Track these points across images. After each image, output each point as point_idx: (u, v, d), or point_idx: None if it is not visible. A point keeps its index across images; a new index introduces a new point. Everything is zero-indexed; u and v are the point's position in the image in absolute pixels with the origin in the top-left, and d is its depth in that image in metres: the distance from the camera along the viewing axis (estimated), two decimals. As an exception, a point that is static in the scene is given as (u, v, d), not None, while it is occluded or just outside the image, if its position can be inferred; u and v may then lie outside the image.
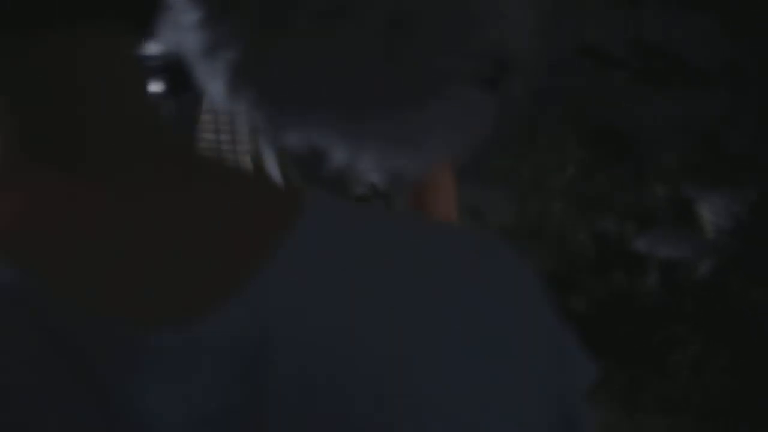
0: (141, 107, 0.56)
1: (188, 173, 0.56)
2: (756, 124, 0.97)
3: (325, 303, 0.54)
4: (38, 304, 0.50)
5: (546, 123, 1.75)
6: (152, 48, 0.61)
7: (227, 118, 2.54)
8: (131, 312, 0.51)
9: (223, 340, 0.52)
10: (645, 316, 1.72)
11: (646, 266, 1.41)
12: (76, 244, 0.53)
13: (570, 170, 1.55)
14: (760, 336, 1.51)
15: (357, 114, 0.80)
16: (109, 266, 0.52)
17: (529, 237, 1.98)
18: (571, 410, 0.57)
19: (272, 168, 1.08)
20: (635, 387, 1.78)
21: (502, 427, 0.54)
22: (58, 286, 0.51)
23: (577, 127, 1.75)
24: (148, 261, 0.53)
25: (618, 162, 1.42)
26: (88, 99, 0.55)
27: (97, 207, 0.54)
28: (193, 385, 0.51)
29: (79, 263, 0.52)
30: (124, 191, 0.55)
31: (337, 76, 0.79)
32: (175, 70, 0.89)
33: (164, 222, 0.55)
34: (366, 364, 0.54)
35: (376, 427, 0.53)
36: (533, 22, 0.85)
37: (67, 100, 0.55)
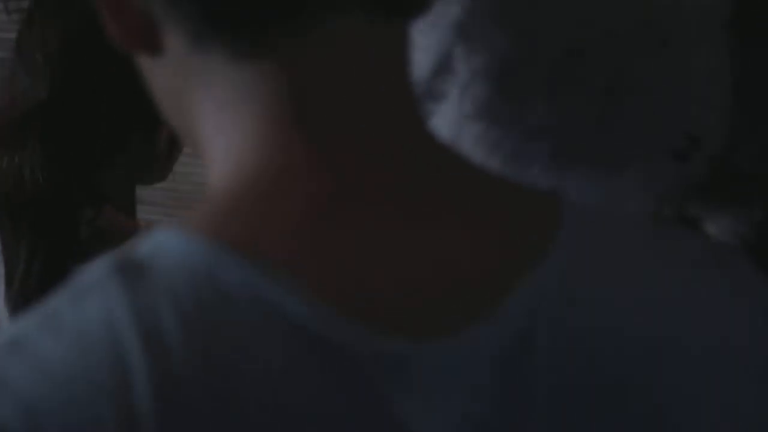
0: (413, 98, 0.57)
1: (457, 170, 0.57)
2: (763, 142, 0.97)
3: (594, 304, 0.54)
4: (311, 321, 0.50)
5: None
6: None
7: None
8: (400, 325, 0.51)
9: (486, 351, 0.51)
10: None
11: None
12: (346, 256, 0.52)
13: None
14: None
15: (562, 170, 0.84)
16: (378, 276, 0.52)
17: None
18: None
19: None
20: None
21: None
22: (328, 301, 0.50)
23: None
24: (418, 269, 0.53)
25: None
26: (373, 87, 0.55)
27: (366, 209, 0.54)
28: (456, 399, 0.51)
29: (349, 274, 0.52)
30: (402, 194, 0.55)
31: (550, 132, 0.82)
32: None
33: (434, 225, 0.54)
34: (635, 370, 0.53)
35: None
36: (720, 100, 0.88)
37: (354, 88, 0.55)
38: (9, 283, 1.24)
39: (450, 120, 0.85)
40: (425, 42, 0.82)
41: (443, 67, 0.86)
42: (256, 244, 0.52)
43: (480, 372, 0.51)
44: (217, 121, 0.56)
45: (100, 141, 1.29)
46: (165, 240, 0.53)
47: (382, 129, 0.56)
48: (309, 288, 0.50)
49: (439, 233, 0.54)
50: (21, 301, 1.21)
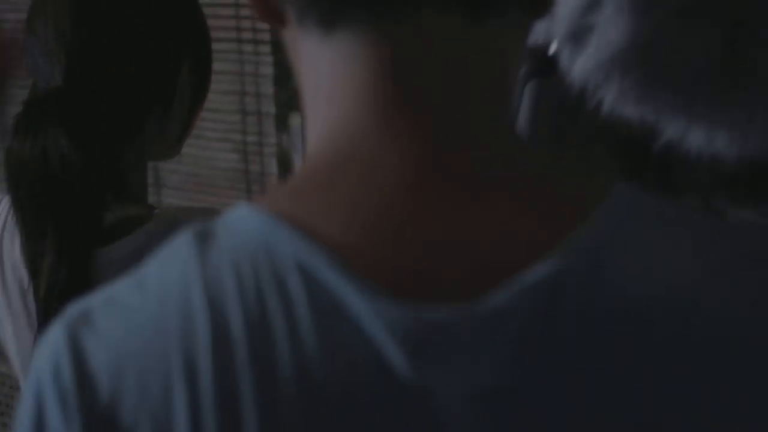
0: (507, 95, 0.60)
1: (522, 159, 0.59)
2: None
3: (623, 278, 0.54)
4: (347, 292, 0.53)
5: (575, 132, 1.73)
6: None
7: (256, 119, 2.54)
8: (425, 289, 0.54)
9: (510, 317, 0.53)
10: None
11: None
12: (396, 225, 0.55)
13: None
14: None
15: (692, 98, 0.86)
16: (423, 244, 0.55)
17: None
18: None
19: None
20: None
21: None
22: (357, 263, 0.54)
23: (607, 137, 1.74)
24: (462, 234, 0.55)
25: (649, 172, 1.40)
26: (458, 82, 0.57)
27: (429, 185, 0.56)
28: (476, 363, 0.52)
29: (391, 241, 0.55)
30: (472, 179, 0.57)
31: (682, 63, 0.85)
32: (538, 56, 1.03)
33: (484, 199, 0.56)
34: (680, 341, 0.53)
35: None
36: None
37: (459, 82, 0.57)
38: (35, 276, 1.22)
39: (591, 55, 0.89)
40: None
41: (592, 3, 0.88)
42: (314, 221, 0.55)
43: (496, 340, 0.52)
44: (314, 96, 0.61)
45: (120, 121, 1.28)
46: (240, 213, 0.58)
47: (463, 122, 0.58)
48: (353, 261, 0.54)
49: (493, 216, 0.56)
50: (51, 296, 1.18)
